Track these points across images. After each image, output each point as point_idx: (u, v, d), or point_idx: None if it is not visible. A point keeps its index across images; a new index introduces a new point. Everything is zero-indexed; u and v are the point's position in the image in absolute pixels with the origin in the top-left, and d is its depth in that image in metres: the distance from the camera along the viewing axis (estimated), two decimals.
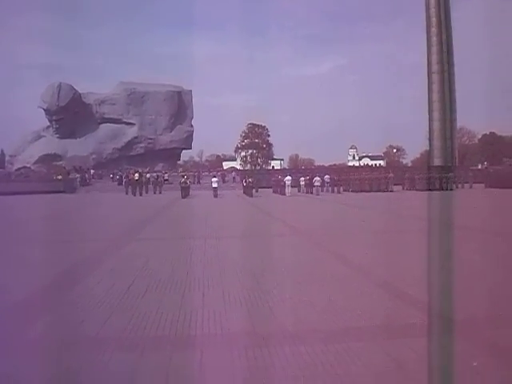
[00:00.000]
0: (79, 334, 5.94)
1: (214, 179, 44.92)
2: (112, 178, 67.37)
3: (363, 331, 5.85)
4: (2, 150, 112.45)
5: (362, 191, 45.16)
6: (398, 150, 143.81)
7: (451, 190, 44.26)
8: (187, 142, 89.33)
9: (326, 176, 49.39)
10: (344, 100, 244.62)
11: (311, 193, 44.67)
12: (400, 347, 5.26)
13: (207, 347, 5.38)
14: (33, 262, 11.30)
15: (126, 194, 46.72)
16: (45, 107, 78.74)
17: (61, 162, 75.41)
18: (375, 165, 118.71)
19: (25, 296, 7.93)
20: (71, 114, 78.43)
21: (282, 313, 6.60)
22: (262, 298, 7.34)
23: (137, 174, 49.98)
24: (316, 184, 44.32)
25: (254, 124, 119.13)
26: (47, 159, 76.56)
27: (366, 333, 5.79)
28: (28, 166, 76.02)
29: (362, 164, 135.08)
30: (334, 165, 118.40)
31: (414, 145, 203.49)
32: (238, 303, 7.12)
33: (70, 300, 7.57)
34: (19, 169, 75.39)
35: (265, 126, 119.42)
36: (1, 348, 5.56)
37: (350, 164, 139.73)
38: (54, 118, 79.11)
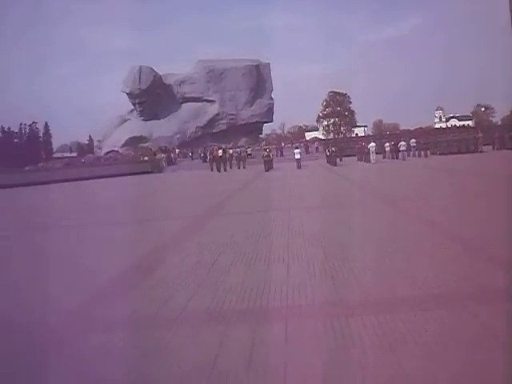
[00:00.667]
0: (168, 308, 6.06)
1: (296, 150, 44.85)
2: (191, 156, 68.78)
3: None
4: (89, 136, 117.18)
5: (450, 153, 43.72)
6: (486, 109, 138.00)
7: None
8: (268, 115, 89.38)
9: (412, 140, 48.27)
10: (427, 60, 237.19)
11: (397, 158, 43.80)
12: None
13: (291, 319, 5.36)
14: (127, 239, 11.71)
15: (211, 170, 47.43)
16: (127, 91, 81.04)
17: (147, 144, 77.57)
18: (463, 125, 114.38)
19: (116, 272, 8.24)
20: (153, 96, 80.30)
21: (366, 282, 6.48)
22: (348, 269, 7.21)
23: (220, 151, 50.54)
24: (402, 149, 43.41)
25: (334, 92, 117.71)
26: (134, 142, 78.97)
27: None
28: (116, 149, 78.70)
29: (449, 125, 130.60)
30: (420, 128, 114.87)
31: (504, 102, 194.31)
32: (323, 274, 7.02)
33: (162, 274, 7.75)
34: (108, 153, 78.24)
35: (346, 94, 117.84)
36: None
37: (437, 126, 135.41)
38: (137, 101, 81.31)
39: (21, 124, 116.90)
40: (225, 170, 46.74)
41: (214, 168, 47.34)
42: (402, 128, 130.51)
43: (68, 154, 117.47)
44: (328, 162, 44.51)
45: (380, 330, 4.70)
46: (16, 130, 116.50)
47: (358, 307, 5.49)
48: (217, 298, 6.22)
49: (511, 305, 5.23)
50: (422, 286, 6.05)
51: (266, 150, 48.36)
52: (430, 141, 50.23)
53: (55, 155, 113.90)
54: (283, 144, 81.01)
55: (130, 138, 79.50)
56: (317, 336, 4.71)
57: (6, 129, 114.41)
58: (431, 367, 3.94)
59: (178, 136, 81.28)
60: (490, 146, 47.20)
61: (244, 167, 49.71)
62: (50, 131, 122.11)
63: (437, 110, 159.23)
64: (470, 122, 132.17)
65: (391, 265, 7.20)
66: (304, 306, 5.70)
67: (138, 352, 4.77)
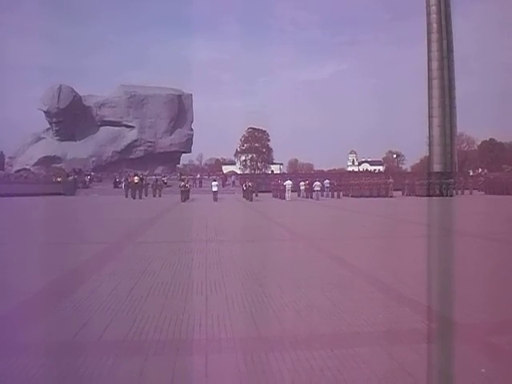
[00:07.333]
0: (84, 338, 5.90)
1: (213, 183, 44.91)
2: (116, 182, 64.29)
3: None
4: (1, 152, 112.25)
5: (361, 196, 45.16)
6: (397, 156, 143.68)
7: (451, 196, 44.10)
8: (187, 146, 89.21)
9: (326, 181, 49.37)
10: (344, 105, 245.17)
11: (311, 197, 44.62)
12: None
13: (211, 352, 5.35)
14: (34, 263, 11.29)
15: (126, 196, 46.59)
16: (45, 109, 78.74)
17: (60, 165, 75.48)
18: (374, 170, 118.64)
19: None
20: (71, 116, 78.50)
21: (284, 317, 6.58)
22: (265, 301, 7.32)
23: (136, 177, 49.91)
24: (316, 189, 44.19)
25: (254, 128, 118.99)
26: (47, 161, 76.65)
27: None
28: (27, 167, 76.07)
29: (361, 169, 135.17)
30: (334, 170, 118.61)
31: (414, 150, 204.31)
32: (240, 307, 7.09)
33: (71, 304, 7.53)
34: (19, 170, 75.42)
35: (265, 131, 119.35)
36: None
37: (350, 169, 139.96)
38: (54, 120, 79.11)
39: None
40: (140, 197, 46.07)
41: (129, 194, 46.61)
42: (316, 168, 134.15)
43: None
44: (244, 196, 44.88)
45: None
46: None
47: (276, 342, 5.57)
48: (134, 327, 6.12)
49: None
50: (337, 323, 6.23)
51: (183, 179, 48.19)
52: (343, 183, 51.68)
53: None
54: (199, 175, 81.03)
55: (44, 158, 77.10)
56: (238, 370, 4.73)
57: None
58: None
59: (93, 159, 79.61)
60: (400, 192, 49.11)
61: (160, 195, 49.34)
62: None
63: (350, 154, 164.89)
64: (381, 167, 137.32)
65: (307, 301, 7.36)
66: (224, 339, 5.71)
67: (55, 380, 4.62)
